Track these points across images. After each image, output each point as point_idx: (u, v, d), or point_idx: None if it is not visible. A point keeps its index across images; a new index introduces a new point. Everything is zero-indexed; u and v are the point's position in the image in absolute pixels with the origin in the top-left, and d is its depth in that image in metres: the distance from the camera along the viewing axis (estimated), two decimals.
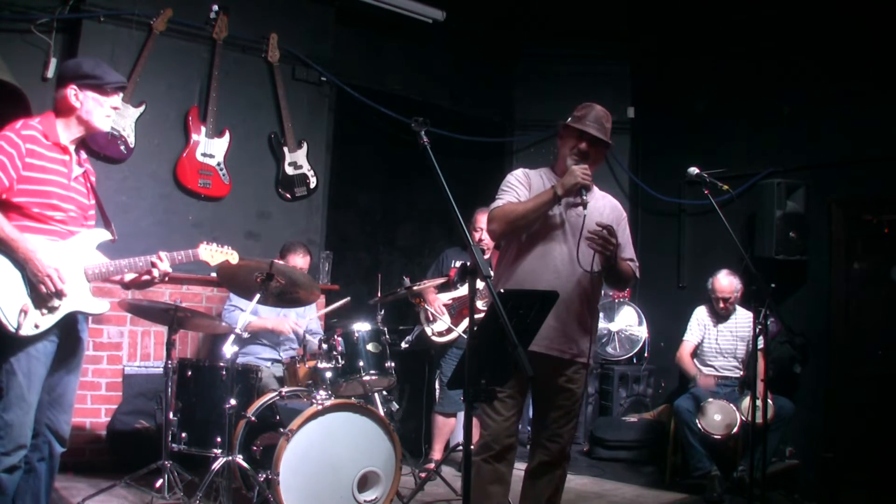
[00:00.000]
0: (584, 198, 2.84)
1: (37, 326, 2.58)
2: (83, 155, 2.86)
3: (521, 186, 3.00)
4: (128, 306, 4.03)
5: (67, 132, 2.74)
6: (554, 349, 2.90)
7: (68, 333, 2.73)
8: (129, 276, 2.90)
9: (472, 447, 2.31)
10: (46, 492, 2.76)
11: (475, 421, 4.79)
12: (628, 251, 3.07)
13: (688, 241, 6.34)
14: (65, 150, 2.73)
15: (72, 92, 2.71)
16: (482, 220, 4.41)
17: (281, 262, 4.36)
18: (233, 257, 3.23)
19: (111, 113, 2.79)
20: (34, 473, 2.71)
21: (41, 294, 2.59)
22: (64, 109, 2.73)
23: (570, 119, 3.03)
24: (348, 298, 4.53)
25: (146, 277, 2.90)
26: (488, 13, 6.31)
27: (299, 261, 4.58)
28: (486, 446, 2.94)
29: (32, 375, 2.59)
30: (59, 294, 2.62)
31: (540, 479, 3.02)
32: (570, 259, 2.93)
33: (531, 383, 3.07)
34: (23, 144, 2.60)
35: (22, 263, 2.57)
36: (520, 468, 3.09)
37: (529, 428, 5.44)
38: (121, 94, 2.85)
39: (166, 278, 2.93)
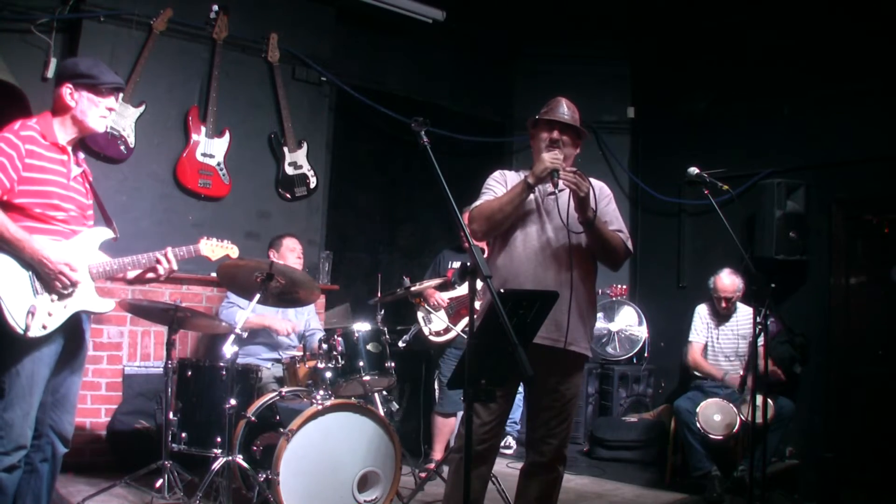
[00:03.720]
0: (556, 180, 2.84)
1: (44, 328, 2.57)
2: (81, 155, 2.86)
3: (497, 185, 3.05)
4: (128, 306, 4.03)
5: (64, 132, 2.73)
6: (543, 338, 2.79)
7: (72, 334, 2.73)
8: (132, 273, 2.90)
9: (471, 447, 2.30)
10: (48, 492, 2.75)
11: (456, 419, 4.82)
12: (616, 224, 3.06)
13: (688, 241, 6.34)
14: (63, 149, 2.72)
15: (67, 91, 2.69)
16: (464, 220, 4.41)
17: (280, 261, 4.37)
18: (233, 251, 3.26)
19: (106, 114, 2.77)
20: (36, 474, 2.70)
21: (56, 289, 2.60)
22: (59, 108, 2.72)
23: (538, 115, 3.08)
24: (347, 304, 4.53)
25: (151, 275, 2.92)
26: (488, 13, 6.31)
27: (297, 243, 4.62)
28: (461, 447, 2.93)
29: (36, 376, 2.58)
30: (75, 284, 2.63)
31: (531, 479, 2.99)
32: (550, 244, 2.94)
33: (524, 382, 3.02)
34: (22, 145, 2.59)
35: (30, 263, 2.56)
36: (516, 467, 3.08)
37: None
38: (119, 95, 2.84)
39: (171, 275, 2.95)
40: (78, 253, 2.72)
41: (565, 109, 3.04)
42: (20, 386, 2.55)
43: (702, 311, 5.09)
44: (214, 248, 3.20)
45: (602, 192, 3.09)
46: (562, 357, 2.90)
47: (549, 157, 2.85)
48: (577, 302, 2.92)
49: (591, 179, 3.08)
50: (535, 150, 3.05)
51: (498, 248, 3.04)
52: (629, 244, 3.03)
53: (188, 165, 4.90)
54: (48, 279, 2.58)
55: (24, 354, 2.56)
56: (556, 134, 2.98)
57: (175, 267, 2.93)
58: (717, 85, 6.11)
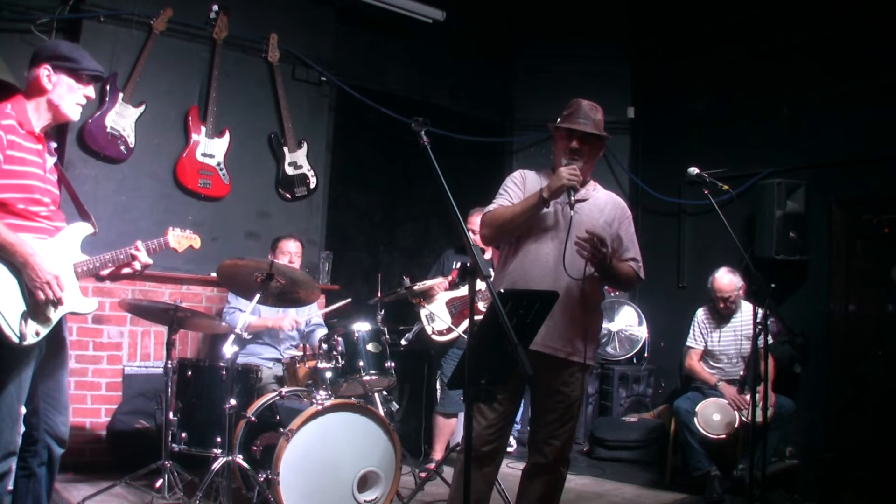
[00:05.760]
0: (572, 199, 2.80)
1: (38, 334, 2.48)
2: (52, 144, 2.70)
3: (515, 188, 2.99)
4: (128, 306, 4.03)
5: (38, 118, 2.58)
6: (546, 347, 2.82)
7: (54, 334, 2.61)
8: (105, 270, 2.80)
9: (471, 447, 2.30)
10: (47, 493, 2.72)
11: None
12: (632, 251, 3.02)
13: (688, 241, 6.33)
14: (38, 138, 2.59)
15: (45, 72, 2.55)
16: (474, 221, 4.41)
17: (279, 261, 4.37)
18: (195, 241, 3.20)
19: (83, 101, 2.64)
20: (35, 478, 2.65)
21: (38, 301, 2.47)
22: (34, 91, 2.57)
23: (559, 119, 2.99)
24: (349, 300, 4.52)
25: (126, 270, 2.83)
26: (488, 13, 6.31)
27: (292, 245, 4.61)
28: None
29: (22, 382, 2.50)
30: (58, 302, 2.51)
31: (533, 480, 2.99)
32: (560, 256, 2.88)
33: (528, 384, 3.03)
34: (4, 136, 2.45)
35: (19, 268, 2.44)
36: (517, 467, 3.07)
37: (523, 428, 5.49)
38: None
39: (146, 269, 2.87)
40: (63, 252, 2.62)
41: (587, 114, 2.93)
42: (8, 394, 2.46)
43: (700, 316, 5.05)
44: (181, 240, 3.14)
45: (623, 214, 3.04)
46: (564, 363, 2.91)
47: (567, 173, 2.78)
48: (589, 317, 2.93)
49: (612, 196, 3.07)
50: (556, 154, 3.00)
51: (510, 253, 2.99)
52: (641, 273, 3.02)
53: (188, 165, 4.90)
54: (31, 287, 2.45)
55: (13, 362, 2.47)
56: (574, 143, 2.91)
57: (149, 260, 2.85)
58: (717, 85, 6.11)
